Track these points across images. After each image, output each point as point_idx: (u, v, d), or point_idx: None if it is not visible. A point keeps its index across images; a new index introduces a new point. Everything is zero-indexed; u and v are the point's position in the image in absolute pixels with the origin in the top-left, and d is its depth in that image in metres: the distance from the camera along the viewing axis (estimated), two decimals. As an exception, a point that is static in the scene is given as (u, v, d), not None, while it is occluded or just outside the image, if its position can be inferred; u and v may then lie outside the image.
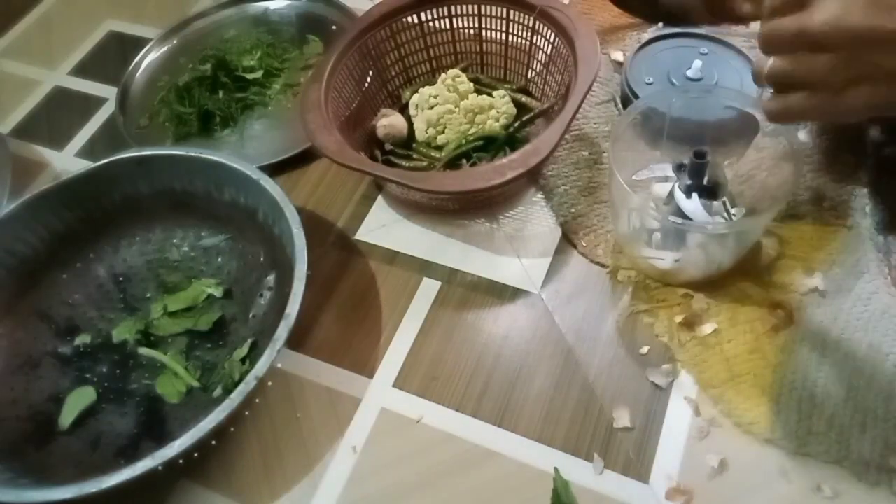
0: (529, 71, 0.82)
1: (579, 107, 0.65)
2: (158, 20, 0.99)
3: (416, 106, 0.79)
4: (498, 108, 0.77)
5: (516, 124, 0.76)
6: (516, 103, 0.79)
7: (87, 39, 1.01)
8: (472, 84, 0.79)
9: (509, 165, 0.62)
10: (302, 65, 0.92)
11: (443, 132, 0.77)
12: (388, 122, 0.78)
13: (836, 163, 0.71)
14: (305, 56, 0.93)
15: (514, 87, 0.82)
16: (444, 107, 0.77)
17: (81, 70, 0.98)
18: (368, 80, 0.80)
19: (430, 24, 0.81)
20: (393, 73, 0.83)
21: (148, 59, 0.96)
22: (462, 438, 0.60)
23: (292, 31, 0.96)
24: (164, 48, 0.97)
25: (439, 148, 0.78)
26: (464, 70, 0.81)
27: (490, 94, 0.79)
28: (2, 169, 0.80)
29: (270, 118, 0.87)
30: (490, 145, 0.76)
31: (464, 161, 0.76)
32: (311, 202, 0.78)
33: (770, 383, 0.59)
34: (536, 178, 0.76)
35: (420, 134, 0.78)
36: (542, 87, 0.80)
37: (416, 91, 0.81)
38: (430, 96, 0.78)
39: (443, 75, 0.80)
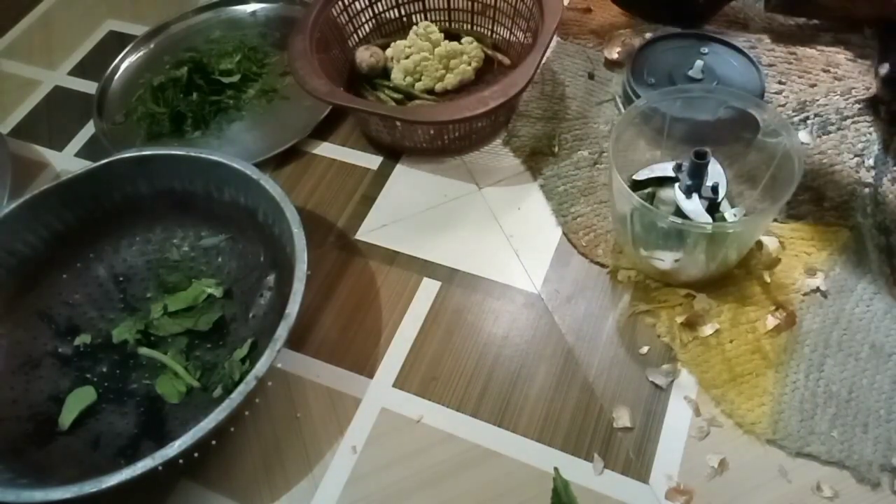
0: (496, 24, 0.87)
1: (549, 42, 0.72)
2: (158, 20, 0.99)
3: (392, 58, 0.85)
4: (469, 53, 0.84)
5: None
6: (485, 58, 0.86)
7: (88, 39, 1.01)
8: (442, 34, 0.85)
9: (491, 96, 0.68)
10: (281, 70, 0.91)
11: (420, 79, 0.83)
12: (371, 51, 0.84)
13: (836, 163, 0.71)
14: (286, 61, 0.92)
15: (482, 43, 0.86)
16: (420, 55, 0.82)
17: (81, 70, 0.97)
18: (345, 33, 0.87)
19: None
20: (368, 30, 0.89)
21: (132, 56, 0.96)
22: (462, 438, 0.60)
23: (277, 36, 0.95)
24: (151, 45, 0.97)
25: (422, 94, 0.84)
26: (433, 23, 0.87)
27: (459, 43, 0.84)
28: (2, 169, 0.80)
29: (244, 122, 0.87)
30: None
31: None
32: (311, 202, 0.78)
33: (772, 384, 0.59)
34: (511, 115, 0.81)
35: (398, 83, 0.84)
36: (508, 39, 0.87)
37: (387, 45, 0.86)
38: (404, 47, 0.84)
39: (414, 27, 0.85)
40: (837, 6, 0.77)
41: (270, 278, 0.67)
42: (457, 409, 0.62)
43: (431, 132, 0.76)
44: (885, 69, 0.70)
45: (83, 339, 0.67)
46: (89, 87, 0.94)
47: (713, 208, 0.61)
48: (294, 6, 0.97)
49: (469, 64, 0.84)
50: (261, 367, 0.54)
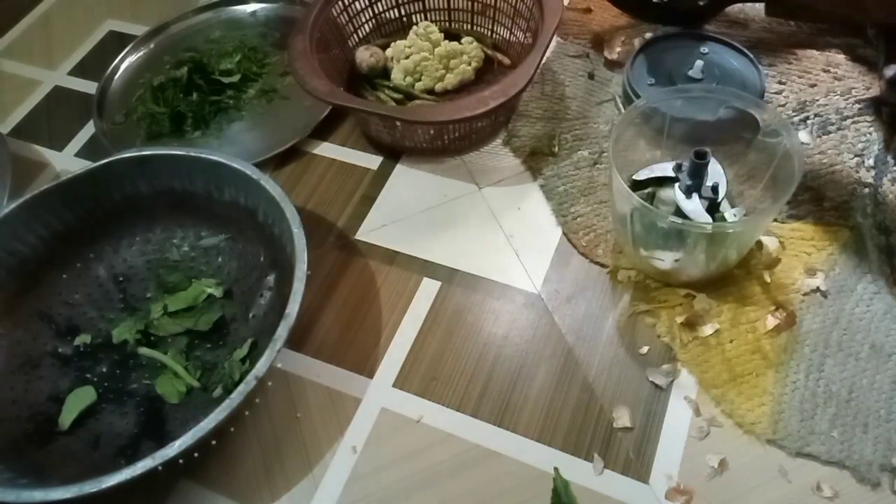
0: (496, 24, 0.87)
1: (549, 42, 0.72)
2: (158, 20, 0.99)
3: (392, 58, 0.85)
4: (469, 53, 0.84)
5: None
6: (485, 58, 0.86)
7: (88, 39, 1.01)
8: (442, 34, 0.85)
9: (492, 96, 0.68)
10: (281, 70, 0.91)
11: (420, 79, 0.83)
12: (372, 51, 0.85)
13: (836, 163, 0.71)
14: (286, 61, 0.91)
15: (482, 43, 0.87)
16: (420, 55, 0.82)
17: (81, 70, 0.97)
18: (345, 33, 0.86)
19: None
20: (368, 30, 0.89)
21: (132, 56, 0.96)
22: (462, 438, 0.60)
23: (277, 36, 0.95)
24: (151, 45, 0.97)
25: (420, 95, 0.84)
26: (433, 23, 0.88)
27: (459, 43, 0.84)
28: (2, 169, 0.80)
29: (244, 122, 0.86)
30: None
31: None
32: (311, 202, 0.78)
33: (772, 384, 0.59)
34: (511, 115, 0.81)
35: (398, 83, 0.84)
36: (508, 39, 0.87)
37: (388, 45, 0.86)
38: (404, 47, 0.84)
39: (414, 27, 0.85)
40: (839, 12, 0.77)
41: (270, 278, 0.67)
42: (457, 409, 0.62)
43: (431, 132, 0.76)
44: (891, 71, 0.71)
45: (83, 339, 0.67)
46: (89, 87, 0.94)
47: (713, 208, 0.61)
48: (294, 6, 0.97)
49: (469, 64, 0.84)
50: (261, 367, 0.54)
